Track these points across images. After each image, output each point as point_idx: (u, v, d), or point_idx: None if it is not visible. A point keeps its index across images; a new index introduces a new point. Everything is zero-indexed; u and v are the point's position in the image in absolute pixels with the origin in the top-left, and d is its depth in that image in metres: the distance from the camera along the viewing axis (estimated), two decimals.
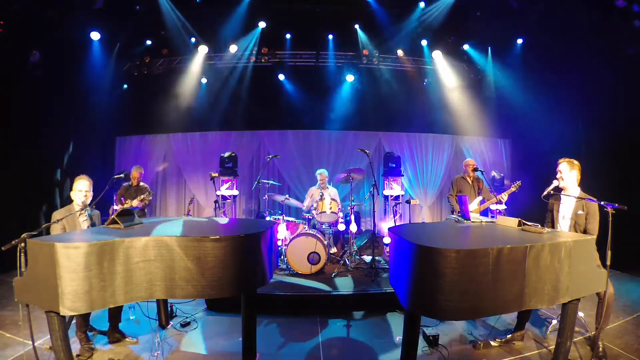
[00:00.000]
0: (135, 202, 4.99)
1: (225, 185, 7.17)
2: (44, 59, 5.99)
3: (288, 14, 7.00)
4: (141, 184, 5.78)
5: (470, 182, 5.19)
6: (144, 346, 3.43)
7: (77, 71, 6.58)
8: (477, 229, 3.09)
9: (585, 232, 3.20)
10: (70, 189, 3.35)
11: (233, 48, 7.34)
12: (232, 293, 2.65)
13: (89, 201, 3.32)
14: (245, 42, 7.37)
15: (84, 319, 3.24)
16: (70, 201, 3.35)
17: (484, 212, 5.35)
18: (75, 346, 3.24)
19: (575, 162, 3.31)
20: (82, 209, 3.29)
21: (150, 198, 5.49)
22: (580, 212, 3.23)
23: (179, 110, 7.77)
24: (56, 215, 3.17)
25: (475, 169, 5.20)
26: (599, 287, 2.66)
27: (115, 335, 3.46)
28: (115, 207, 5.47)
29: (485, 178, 5.29)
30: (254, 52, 7.52)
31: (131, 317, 3.98)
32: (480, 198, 5.05)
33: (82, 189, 3.28)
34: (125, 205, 4.95)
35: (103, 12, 6.10)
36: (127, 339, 3.48)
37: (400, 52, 7.61)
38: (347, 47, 7.68)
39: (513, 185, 4.75)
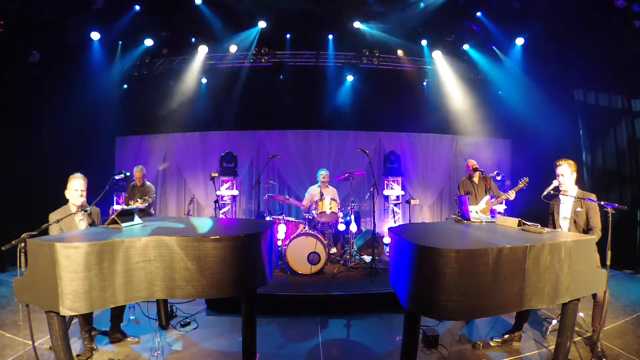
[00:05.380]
0: (139, 202, 5.02)
1: (225, 185, 7.17)
2: (43, 59, 5.98)
3: (288, 14, 6.99)
4: (147, 183, 5.84)
5: (476, 182, 5.19)
6: (144, 346, 3.43)
7: (76, 71, 6.58)
8: (477, 229, 3.09)
9: (588, 229, 3.19)
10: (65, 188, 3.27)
11: (233, 48, 7.34)
12: (232, 293, 2.65)
13: (85, 200, 3.28)
14: (245, 42, 7.36)
15: (85, 318, 3.23)
16: (66, 201, 3.29)
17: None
18: (76, 346, 3.25)
19: (572, 162, 3.31)
20: (80, 209, 3.26)
21: (151, 201, 5.50)
22: (579, 209, 3.23)
23: (179, 110, 7.75)
24: (53, 216, 3.11)
25: (475, 169, 5.20)
26: (599, 287, 2.66)
27: (116, 335, 3.46)
28: (115, 207, 5.50)
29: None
30: (253, 52, 7.51)
31: (131, 317, 3.98)
32: (488, 197, 5.04)
33: (78, 188, 3.21)
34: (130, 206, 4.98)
35: (103, 12, 6.09)
36: (127, 339, 3.48)
37: (400, 52, 7.60)
38: (347, 47, 7.67)
39: (520, 182, 4.65)
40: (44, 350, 3.13)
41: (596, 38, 5.91)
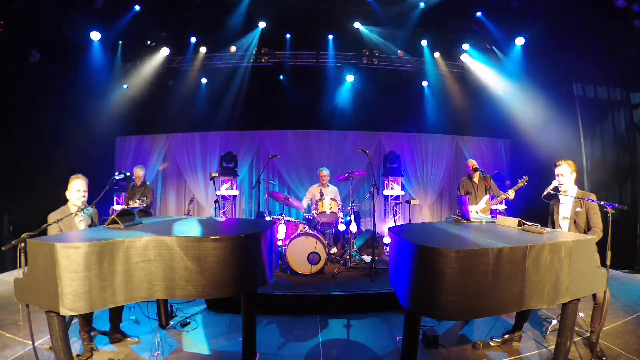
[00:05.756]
0: (138, 202, 5.03)
1: (225, 185, 7.17)
2: (43, 59, 5.98)
3: (288, 14, 6.99)
4: (146, 183, 5.87)
5: (477, 182, 5.19)
6: (144, 346, 3.43)
7: (76, 71, 6.58)
8: (477, 229, 3.09)
9: (589, 228, 3.19)
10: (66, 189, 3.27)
11: (233, 48, 7.34)
12: (232, 293, 2.65)
13: (85, 200, 3.28)
14: (245, 42, 7.37)
15: (85, 318, 3.23)
16: (65, 201, 3.28)
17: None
18: (76, 346, 3.25)
19: (572, 162, 3.31)
20: (80, 209, 3.26)
21: (149, 201, 5.50)
22: (579, 209, 3.23)
23: (179, 110, 7.76)
24: (52, 217, 3.10)
25: (475, 169, 5.20)
26: (599, 287, 2.66)
27: (116, 335, 3.46)
28: (115, 207, 5.52)
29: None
30: (254, 52, 7.51)
31: (131, 317, 3.98)
32: (487, 197, 5.04)
33: (80, 188, 3.22)
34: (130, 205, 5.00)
35: (103, 12, 6.09)
36: (128, 339, 3.48)
37: (400, 52, 7.60)
38: (347, 47, 7.67)
39: (520, 181, 4.64)
40: (44, 350, 3.13)
41: (596, 38, 5.92)
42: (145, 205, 5.22)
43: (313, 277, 5.08)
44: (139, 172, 5.78)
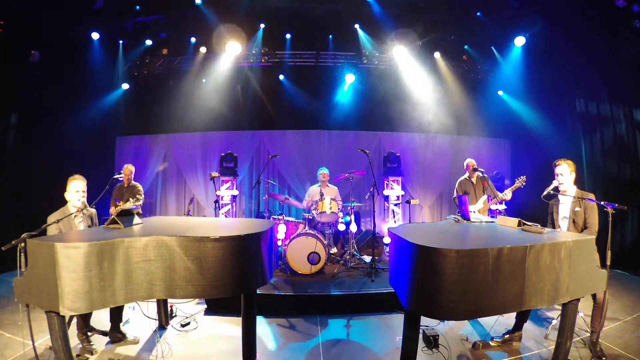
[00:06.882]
0: (129, 204, 4.97)
1: (225, 185, 7.16)
2: (43, 59, 5.99)
3: (288, 14, 6.99)
4: (132, 183, 5.61)
5: (474, 182, 5.19)
6: (144, 346, 3.43)
7: (76, 71, 6.58)
8: (477, 229, 3.09)
9: (585, 228, 3.19)
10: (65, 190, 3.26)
11: (233, 48, 7.34)
12: (232, 293, 2.65)
13: (85, 201, 3.27)
14: (245, 42, 7.37)
15: (84, 320, 3.23)
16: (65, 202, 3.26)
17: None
18: (76, 346, 3.24)
19: (571, 162, 3.31)
20: (80, 210, 3.25)
21: (142, 200, 5.40)
22: (577, 208, 3.23)
23: (179, 110, 7.76)
24: (51, 218, 3.09)
25: (475, 169, 5.19)
26: (598, 287, 2.66)
27: (116, 335, 3.46)
28: (111, 208, 5.44)
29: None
30: (254, 52, 7.51)
31: (130, 317, 3.97)
32: (485, 197, 5.04)
33: (79, 189, 3.21)
34: (120, 206, 4.91)
35: (103, 12, 6.09)
36: (127, 339, 3.48)
37: (400, 52, 7.60)
38: (347, 47, 7.67)
39: (518, 181, 4.63)
40: (44, 350, 3.13)
41: (596, 38, 5.92)
42: (138, 204, 5.17)
43: (313, 277, 5.08)
44: (128, 170, 5.55)
